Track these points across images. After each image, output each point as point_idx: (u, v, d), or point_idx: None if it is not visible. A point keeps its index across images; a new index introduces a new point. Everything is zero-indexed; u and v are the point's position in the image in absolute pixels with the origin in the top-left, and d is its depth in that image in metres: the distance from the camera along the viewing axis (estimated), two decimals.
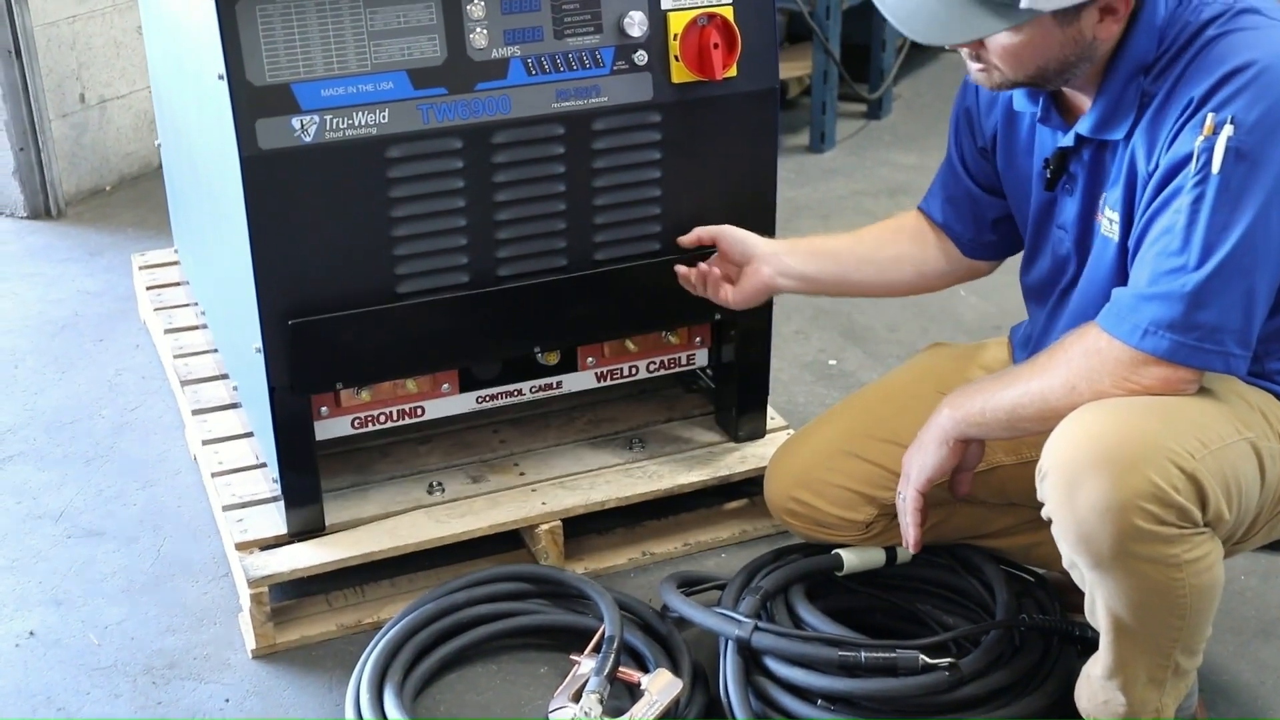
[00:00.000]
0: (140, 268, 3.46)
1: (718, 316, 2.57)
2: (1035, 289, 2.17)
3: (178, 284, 3.35)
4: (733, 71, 2.37)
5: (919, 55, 5.48)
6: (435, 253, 2.31)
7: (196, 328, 3.12)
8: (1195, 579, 1.78)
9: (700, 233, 2.43)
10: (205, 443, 2.68)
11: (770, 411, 2.75)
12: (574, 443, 2.69)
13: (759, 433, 2.70)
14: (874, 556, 2.32)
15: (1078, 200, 2.01)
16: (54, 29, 4.06)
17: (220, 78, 2.13)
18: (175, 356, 3.00)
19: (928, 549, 2.34)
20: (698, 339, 2.66)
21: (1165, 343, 1.77)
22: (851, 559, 2.30)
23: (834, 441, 2.30)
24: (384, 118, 2.20)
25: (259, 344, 2.28)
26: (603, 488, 2.55)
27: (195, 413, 2.79)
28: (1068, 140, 1.97)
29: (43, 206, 4.13)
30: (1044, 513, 1.84)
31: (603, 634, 2.22)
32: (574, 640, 2.29)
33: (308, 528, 2.41)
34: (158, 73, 3.13)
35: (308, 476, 2.39)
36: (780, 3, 4.89)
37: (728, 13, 2.35)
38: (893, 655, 2.07)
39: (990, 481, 2.22)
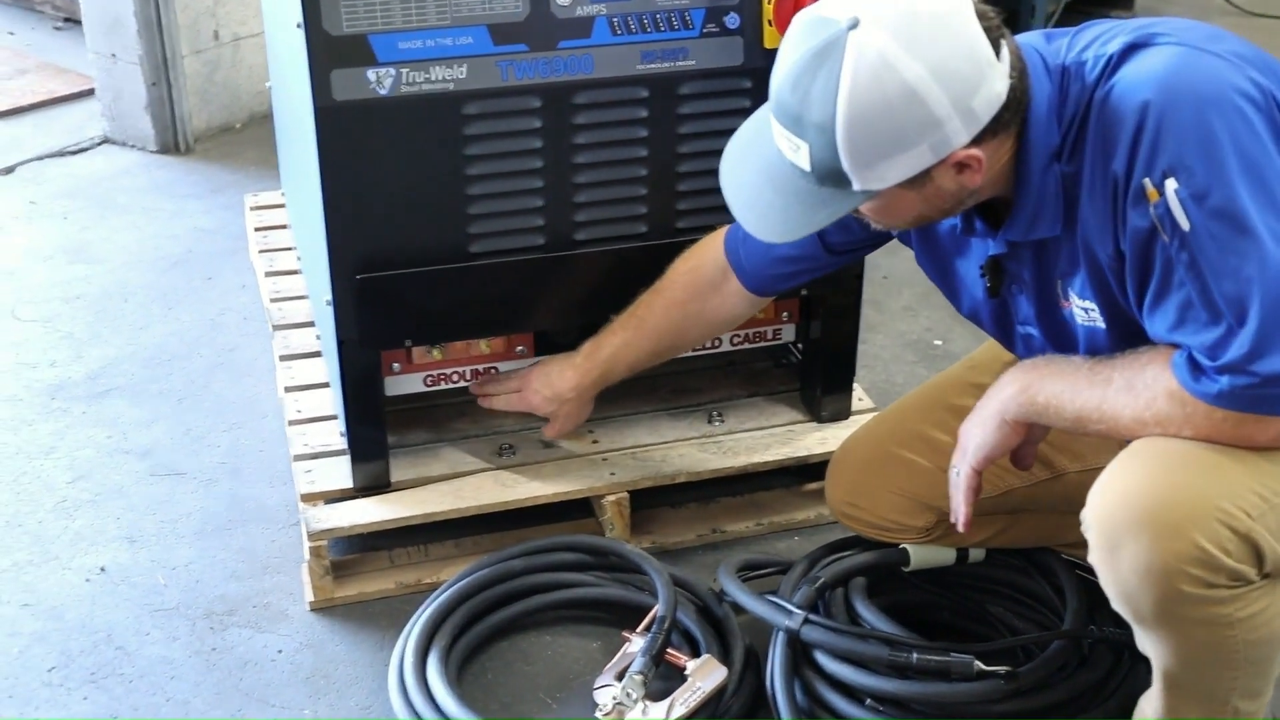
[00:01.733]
0: (252, 208, 3.48)
1: (804, 292, 2.49)
2: None
3: (284, 226, 3.36)
4: None
5: None
6: (510, 213, 2.27)
7: (295, 272, 3.12)
8: (1251, 634, 1.65)
9: (501, 405, 2.47)
10: (287, 389, 2.68)
11: (859, 392, 2.66)
12: (652, 412, 2.63)
13: (843, 414, 2.61)
14: (943, 555, 2.23)
15: (1032, 297, 1.86)
16: None
17: (298, 26, 2.11)
18: (271, 301, 3.01)
19: (1002, 549, 2.25)
20: (785, 314, 2.58)
21: (1242, 400, 1.60)
22: (919, 554, 2.21)
23: (890, 441, 2.21)
24: (462, 73, 2.16)
25: (329, 297, 2.26)
26: (675, 461, 2.49)
27: (283, 359, 2.79)
28: (998, 248, 1.83)
29: (172, 142, 4.19)
30: (1089, 559, 1.72)
31: (655, 613, 2.17)
32: (630, 616, 2.24)
33: (373, 483, 2.40)
34: (266, 13, 3.12)
35: (375, 431, 2.38)
36: None
37: None
38: (946, 659, 1.98)
39: (1055, 489, 2.11)
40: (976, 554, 2.24)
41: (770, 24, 2.24)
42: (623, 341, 2.35)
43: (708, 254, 2.27)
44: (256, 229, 3.37)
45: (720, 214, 2.33)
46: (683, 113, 2.28)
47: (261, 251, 3.25)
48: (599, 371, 2.39)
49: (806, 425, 2.60)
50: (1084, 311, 1.78)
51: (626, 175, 2.30)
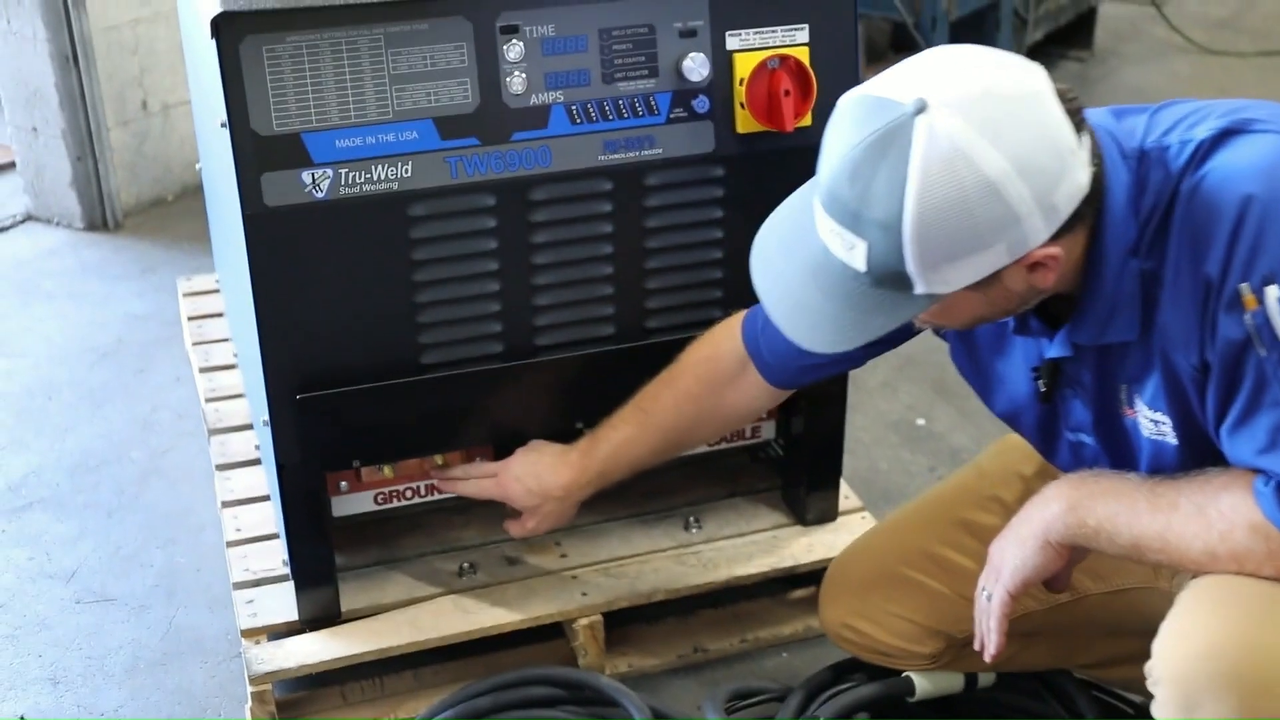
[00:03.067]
0: (185, 294, 3.26)
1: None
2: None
3: (220, 315, 3.14)
4: (807, 121, 2.08)
5: None
6: (464, 320, 2.07)
7: (233, 367, 2.91)
8: None
9: (471, 491, 2.20)
10: (225, 504, 2.47)
11: (845, 489, 2.47)
12: (624, 519, 2.42)
13: (830, 515, 2.42)
14: (951, 681, 2.05)
15: (1090, 402, 1.67)
16: (114, 33, 3.87)
17: (222, 125, 1.90)
18: (207, 400, 2.79)
19: (1013, 674, 2.06)
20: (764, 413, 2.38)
21: None
22: (925, 684, 2.03)
23: (894, 560, 2.01)
24: (407, 171, 1.96)
25: (266, 417, 2.05)
26: (650, 577, 2.28)
27: (220, 468, 2.57)
28: (1061, 350, 1.62)
29: (100, 218, 3.96)
30: (1153, 711, 1.54)
31: None
32: None
33: (321, 614, 2.18)
34: (193, 90, 2.91)
35: (321, 558, 2.16)
36: (883, 11, 4.58)
37: (802, 54, 2.06)
38: None
39: (1075, 611, 1.93)
40: (986, 678, 2.06)
41: (743, 106, 2.06)
42: (624, 438, 2.09)
43: (723, 343, 2.04)
44: (190, 318, 3.15)
45: (694, 311, 2.17)
46: (650, 205, 2.09)
47: (196, 344, 3.03)
48: (596, 470, 2.11)
49: (790, 529, 2.40)
50: (1152, 424, 1.60)
51: (590, 275, 2.10)
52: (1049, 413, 1.74)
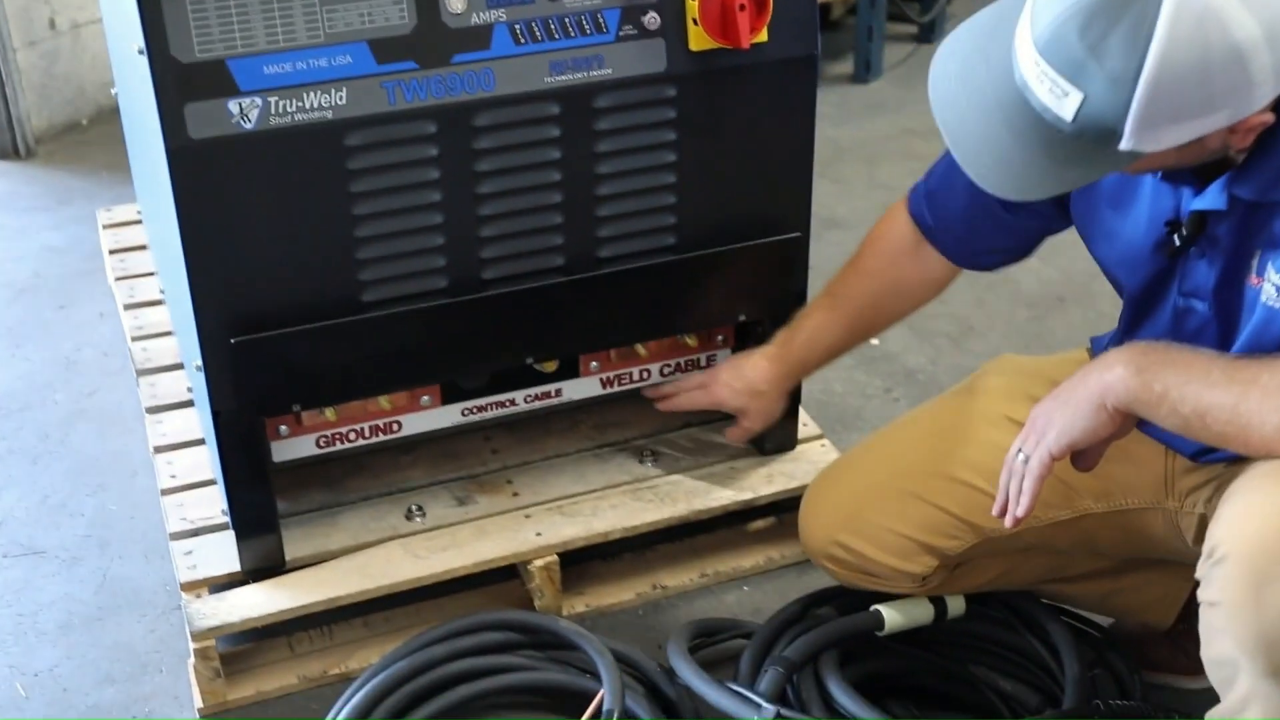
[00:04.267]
0: (105, 226, 3.11)
1: (743, 317, 2.22)
2: None
3: (144, 247, 3.00)
4: (763, 37, 1.98)
5: None
6: (406, 255, 1.96)
7: (160, 303, 2.77)
8: None
9: (685, 404, 2.23)
10: (158, 449, 2.36)
11: (803, 416, 2.40)
12: (576, 454, 2.34)
13: (789, 444, 2.35)
14: (920, 612, 1.99)
15: (1218, 265, 1.61)
16: None
17: (140, 52, 1.77)
18: (134, 339, 2.67)
19: (981, 601, 2.03)
20: (719, 338, 2.31)
21: None
22: (894, 617, 1.97)
23: (888, 476, 1.94)
24: (341, 98, 1.84)
25: (199, 362, 1.94)
26: (607, 514, 2.21)
27: (150, 410, 2.46)
28: (1214, 203, 1.56)
29: (10, 145, 3.78)
30: (1206, 596, 1.50)
31: (600, 703, 1.90)
32: (570, 701, 1.98)
33: (264, 564, 2.09)
34: (106, 9, 2.73)
35: (262, 506, 2.07)
36: None
37: None
38: None
39: (1073, 530, 1.88)
40: (956, 607, 2.00)
41: (696, 23, 1.95)
42: (816, 324, 2.10)
43: (899, 213, 2.02)
44: (112, 251, 3.01)
45: (646, 239, 2.08)
46: (600, 128, 1.98)
47: (119, 279, 2.89)
48: (794, 360, 2.13)
49: (748, 459, 2.33)
50: (1275, 289, 1.54)
51: (538, 203, 1.99)
52: (1164, 272, 1.68)
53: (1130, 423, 1.59)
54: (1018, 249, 1.97)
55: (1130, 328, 1.80)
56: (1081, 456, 1.64)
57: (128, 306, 2.78)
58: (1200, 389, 1.50)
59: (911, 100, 4.18)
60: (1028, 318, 3.03)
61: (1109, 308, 1.81)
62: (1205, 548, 1.52)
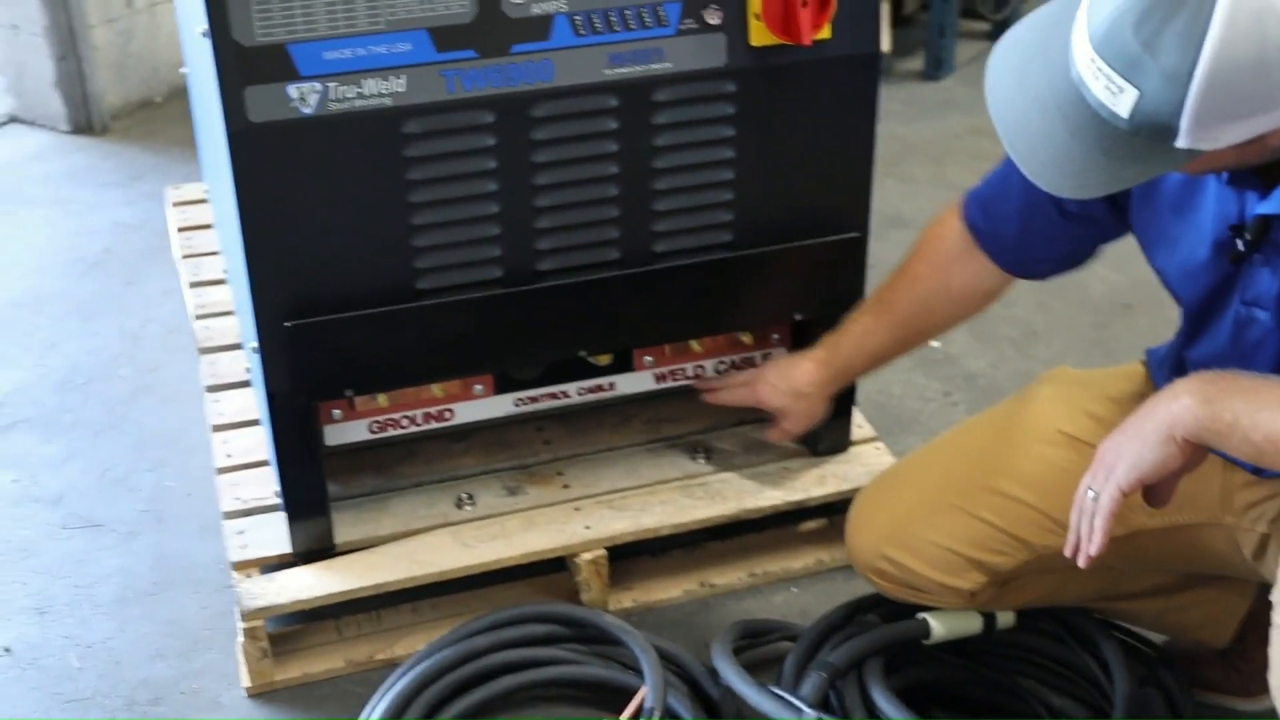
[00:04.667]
0: (174, 204, 3.14)
1: (799, 316, 2.20)
2: (1206, 364, 1.68)
3: (210, 226, 3.03)
4: (825, 34, 1.96)
5: None
6: (462, 244, 1.96)
7: (222, 282, 2.80)
8: None
9: (729, 399, 2.23)
10: (216, 429, 2.38)
11: (858, 418, 2.38)
12: (628, 448, 2.33)
13: (842, 446, 2.33)
14: (968, 623, 1.96)
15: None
16: None
17: (204, 35, 1.78)
18: (197, 317, 2.69)
19: (1032, 614, 1.99)
20: (774, 336, 2.29)
21: None
22: (940, 626, 1.94)
23: (937, 490, 1.91)
24: (400, 86, 1.84)
25: (255, 343, 1.95)
26: (656, 510, 2.20)
27: (210, 389, 2.48)
28: (1278, 208, 1.53)
29: (85, 121, 3.83)
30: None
31: (642, 701, 1.90)
32: (612, 697, 1.98)
33: (314, 546, 2.11)
34: None
35: (313, 489, 2.08)
36: None
37: None
38: None
39: (1127, 547, 1.83)
40: (1005, 619, 1.98)
41: (758, 18, 1.93)
42: (863, 329, 2.09)
43: (949, 219, 1.99)
44: (180, 229, 3.04)
45: (702, 235, 2.07)
46: (658, 123, 1.97)
47: (185, 257, 2.92)
48: (839, 364, 2.12)
49: (801, 460, 2.31)
50: None
51: (595, 196, 1.99)
52: (1227, 279, 1.64)
53: (1201, 455, 1.55)
54: (1070, 257, 1.93)
55: (1190, 339, 1.76)
56: (1153, 492, 1.59)
57: (192, 285, 2.80)
58: (1271, 415, 1.45)
59: (982, 99, 4.04)
60: (1092, 324, 2.99)
61: (1176, 316, 1.78)
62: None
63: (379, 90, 1.83)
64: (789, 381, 2.15)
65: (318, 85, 1.81)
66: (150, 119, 3.93)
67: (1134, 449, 1.54)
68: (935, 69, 4.26)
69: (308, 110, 1.81)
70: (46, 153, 3.75)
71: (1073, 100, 1.42)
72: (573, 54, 1.89)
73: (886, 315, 2.06)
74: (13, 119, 3.89)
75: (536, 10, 1.86)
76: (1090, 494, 1.59)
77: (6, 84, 3.86)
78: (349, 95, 1.82)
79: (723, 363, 2.28)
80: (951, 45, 4.26)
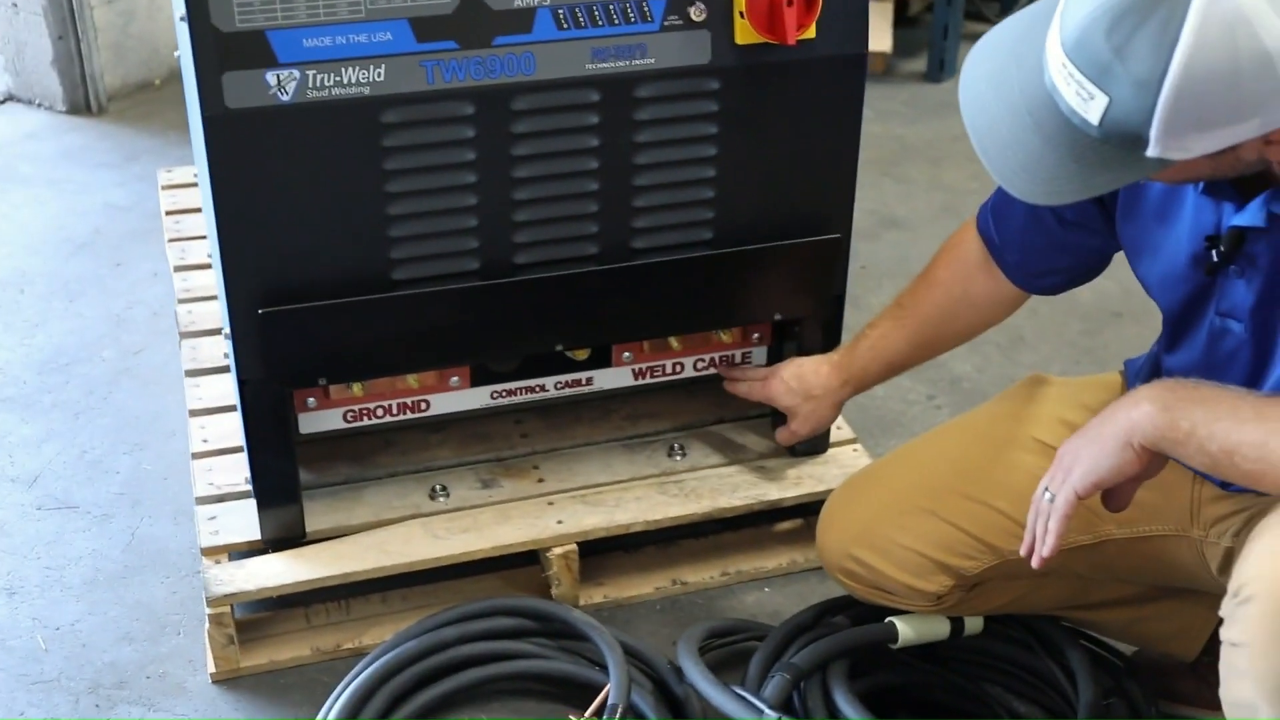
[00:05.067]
0: (164, 187, 3.14)
1: (779, 316, 2.19)
2: (1183, 372, 1.70)
3: (199, 210, 3.02)
4: (810, 33, 1.95)
5: None
6: (439, 235, 1.95)
7: (208, 266, 2.79)
8: None
9: (741, 392, 2.24)
10: (193, 413, 2.38)
11: (838, 419, 2.37)
12: (605, 443, 2.33)
13: (820, 447, 2.32)
14: (936, 627, 1.96)
15: (1255, 286, 1.56)
16: None
17: (181, 19, 1.78)
18: (180, 301, 2.69)
19: (1000, 620, 1.99)
20: (755, 335, 2.28)
21: None
22: (908, 630, 1.94)
23: (907, 493, 1.91)
24: (379, 75, 1.83)
25: (227, 330, 1.95)
26: (630, 506, 2.19)
27: (190, 373, 2.48)
28: (1254, 220, 1.51)
29: (83, 101, 3.83)
30: (1229, 635, 1.46)
31: (605, 696, 1.89)
32: (577, 692, 1.97)
33: (284, 534, 2.10)
34: None
35: (285, 479, 2.07)
36: None
37: None
38: None
39: (1094, 556, 1.84)
40: (974, 625, 1.97)
41: (743, 15, 1.92)
42: (881, 333, 2.08)
43: (971, 226, 1.98)
44: (169, 212, 3.03)
45: (682, 232, 2.06)
46: (640, 118, 1.96)
47: (172, 240, 2.91)
48: (856, 368, 2.12)
49: (778, 459, 2.31)
50: None
51: (574, 190, 1.98)
52: (1203, 289, 1.63)
53: (1160, 462, 1.55)
54: (1075, 269, 1.92)
55: (1167, 348, 1.75)
56: (1112, 496, 1.60)
57: (178, 268, 2.80)
58: (1229, 426, 1.45)
59: None
60: (1081, 331, 2.97)
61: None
62: (1231, 585, 1.48)
63: (358, 79, 1.83)
64: (802, 382, 2.15)
65: (296, 73, 1.80)
66: (148, 101, 3.93)
67: (1091, 453, 1.54)
68: (938, 70, 4.24)
69: (285, 98, 1.81)
70: (42, 132, 3.74)
71: (1045, 106, 1.41)
72: (555, 47, 1.89)
73: (905, 320, 2.04)
74: (10, 97, 3.89)
75: (520, 3, 1.86)
76: (1047, 495, 1.59)
77: (5, 62, 3.86)
78: (327, 83, 1.82)
79: (701, 360, 2.28)
80: (955, 47, 4.25)
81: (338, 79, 1.82)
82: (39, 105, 3.85)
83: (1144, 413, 1.50)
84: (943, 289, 2.01)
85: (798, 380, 2.16)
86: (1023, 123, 1.43)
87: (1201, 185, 1.57)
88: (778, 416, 2.26)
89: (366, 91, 1.83)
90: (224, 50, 1.77)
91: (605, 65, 1.91)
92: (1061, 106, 1.39)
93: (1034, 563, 1.61)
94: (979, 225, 1.96)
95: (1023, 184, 1.46)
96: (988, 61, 1.50)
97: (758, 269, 2.11)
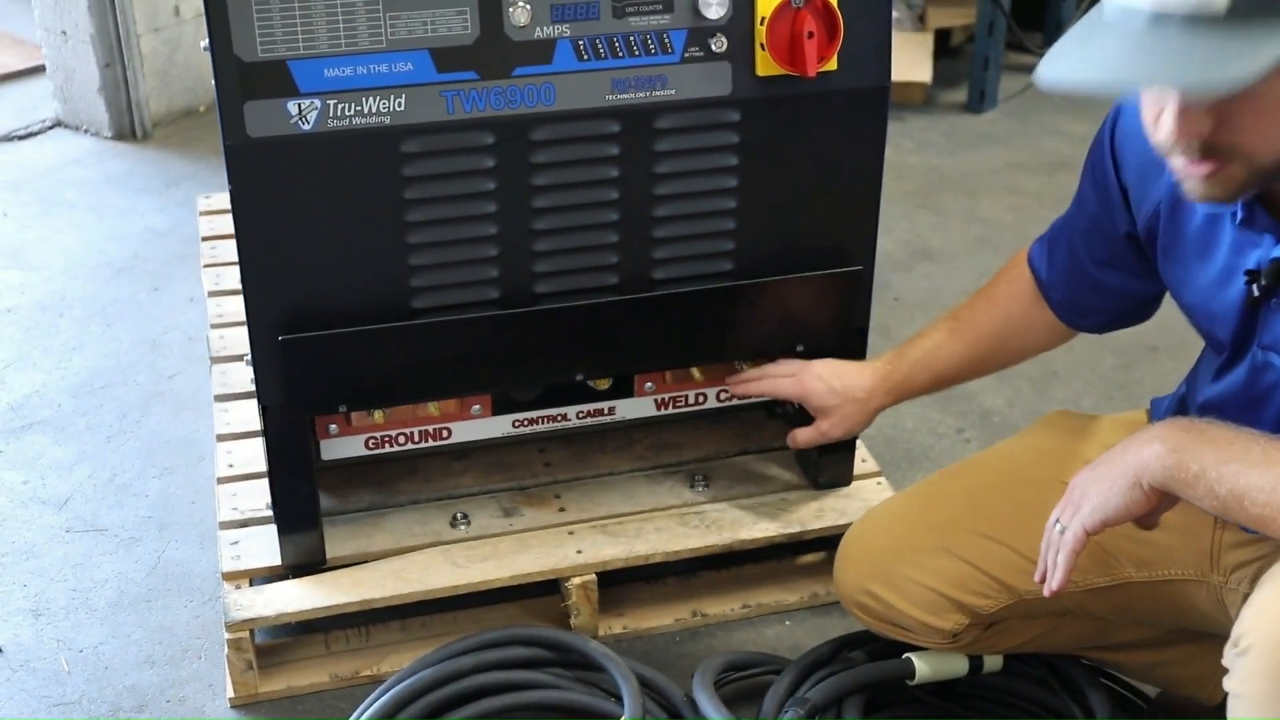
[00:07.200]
0: (202, 212, 3.17)
1: (800, 348, 2.18)
2: (1221, 405, 1.68)
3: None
4: (832, 65, 1.94)
5: None
6: (459, 264, 1.96)
7: (241, 292, 2.81)
8: None
9: (767, 389, 2.16)
10: (220, 438, 2.39)
11: (862, 452, 2.36)
12: (628, 473, 2.32)
13: (844, 480, 2.31)
14: (954, 664, 1.93)
15: None
16: None
17: (205, 49, 1.80)
18: (213, 326, 2.71)
19: (1021, 659, 1.96)
20: None
21: None
22: (925, 667, 1.92)
23: (923, 530, 1.89)
24: (400, 105, 1.84)
25: (249, 357, 1.96)
26: (650, 537, 2.19)
27: (219, 398, 2.50)
28: None
29: (129, 127, 3.89)
30: (1230, 685, 1.44)
31: None
32: None
33: (304, 560, 2.11)
34: None
35: (305, 505, 2.08)
36: None
37: None
38: None
39: (1113, 598, 1.81)
40: (993, 663, 1.95)
41: (763, 48, 1.92)
42: (934, 344, 2.04)
43: (1016, 287, 1.99)
44: (205, 237, 3.06)
45: (703, 263, 2.06)
46: (660, 149, 1.96)
47: (208, 265, 2.94)
48: (901, 375, 2.07)
49: (801, 492, 2.29)
50: None
51: (594, 221, 1.98)
52: (1247, 324, 1.61)
53: (1171, 500, 1.52)
54: (1116, 310, 1.91)
55: (1212, 379, 1.71)
56: (1138, 521, 1.56)
57: (212, 294, 2.83)
58: (1239, 469, 1.43)
59: (1023, 133, 4.08)
60: (1114, 366, 2.94)
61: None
62: (1233, 633, 1.45)
63: (379, 109, 1.84)
64: (841, 380, 2.10)
65: (317, 102, 1.82)
66: (192, 127, 3.98)
67: (1100, 490, 1.53)
68: (978, 101, 4.23)
69: (306, 127, 1.82)
70: (87, 158, 3.80)
71: (1164, 13, 1.33)
72: (575, 78, 1.89)
73: (960, 333, 2.02)
74: (59, 123, 3.96)
75: (540, 34, 1.86)
76: (1058, 526, 1.58)
77: (54, 89, 3.93)
78: (348, 113, 1.83)
79: (724, 391, 2.27)
80: (995, 78, 4.23)
81: (359, 108, 1.83)
82: (85, 131, 3.91)
83: (1154, 453, 1.48)
84: (1003, 305, 2.00)
85: (837, 378, 2.11)
86: (1143, 37, 1.34)
87: (1239, 218, 1.55)
88: (794, 422, 2.23)
89: (387, 121, 1.84)
90: (246, 79, 1.79)
91: (625, 96, 1.91)
92: (1183, 9, 1.31)
93: (1045, 592, 1.60)
94: (1030, 258, 1.95)
95: (1186, 74, 1.33)
96: (1072, 37, 1.43)
97: (779, 301, 2.10)
